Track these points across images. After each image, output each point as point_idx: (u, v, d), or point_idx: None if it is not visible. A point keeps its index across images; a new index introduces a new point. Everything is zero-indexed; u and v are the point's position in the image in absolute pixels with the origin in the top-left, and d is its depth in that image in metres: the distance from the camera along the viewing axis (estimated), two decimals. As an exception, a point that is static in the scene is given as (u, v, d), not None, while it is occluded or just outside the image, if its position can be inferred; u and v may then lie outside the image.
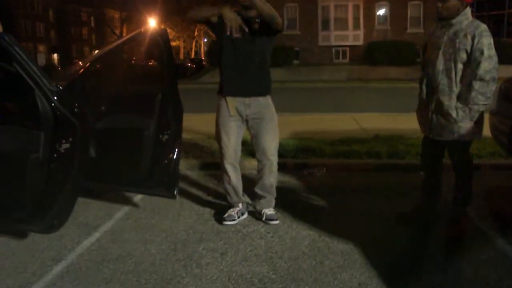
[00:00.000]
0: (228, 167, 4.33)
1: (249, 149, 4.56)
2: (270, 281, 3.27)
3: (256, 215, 4.44)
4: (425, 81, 4.09)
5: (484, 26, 3.80)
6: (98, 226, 4.30)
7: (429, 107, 4.02)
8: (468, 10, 3.87)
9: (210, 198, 5.06)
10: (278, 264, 3.52)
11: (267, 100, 4.29)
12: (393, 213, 4.46)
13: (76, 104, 3.70)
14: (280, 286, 3.20)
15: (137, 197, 5.00)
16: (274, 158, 4.33)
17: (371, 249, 3.71)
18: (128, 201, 4.91)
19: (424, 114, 4.13)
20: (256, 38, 4.11)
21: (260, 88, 4.22)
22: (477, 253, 3.69)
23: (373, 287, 3.16)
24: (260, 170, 4.39)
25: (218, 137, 4.34)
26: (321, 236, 4.01)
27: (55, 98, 3.43)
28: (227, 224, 4.28)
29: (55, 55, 66.94)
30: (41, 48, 66.08)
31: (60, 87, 3.62)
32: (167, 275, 3.38)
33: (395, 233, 4.10)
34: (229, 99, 4.18)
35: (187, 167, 6.11)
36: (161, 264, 3.56)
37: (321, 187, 5.48)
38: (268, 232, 4.13)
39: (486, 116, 4.11)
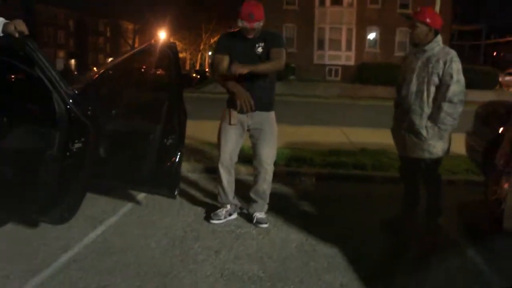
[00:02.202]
0: (222, 170, 4.32)
1: (248, 156, 4.52)
2: (259, 279, 3.25)
3: (248, 217, 4.42)
4: (399, 102, 4.10)
5: (454, 53, 3.85)
6: (103, 220, 4.28)
7: (402, 126, 4.02)
8: (439, 38, 3.91)
9: (208, 200, 5.03)
10: (268, 263, 3.50)
11: (270, 114, 4.27)
12: (375, 221, 4.45)
13: (89, 107, 3.69)
14: (268, 284, 3.19)
15: (141, 195, 4.96)
16: (269, 168, 4.30)
17: (353, 254, 3.70)
18: (132, 198, 4.88)
19: (397, 133, 4.14)
20: (261, 55, 4.08)
21: (263, 104, 4.17)
22: (449, 261, 3.68)
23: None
24: (255, 177, 4.37)
25: (218, 142, 4.34)
26: (308, 239, 4.00)
27: (71, 101, 3.42)
28: (213, 222, 4.29)
29: (73, 61, 66.92)
30: (61, 54, 66.23)
31: (76, 91, 3.60)
32: (165, 269, 3.35)
33: (376, 240, 4.10)
34: (232, 111, 4.16)
35: (188, 170, 6.08)
36: (159, 258, 3.54)
37: (311, 194, 5.47)
38: (260, 234, 4.11)
39: (459, 136, 4.10)
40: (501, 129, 4.68)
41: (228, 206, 4.42)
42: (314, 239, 3.99)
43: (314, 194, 5.48)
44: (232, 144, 4.26)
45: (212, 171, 5.96)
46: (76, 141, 3.46)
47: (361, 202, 5.24)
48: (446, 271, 3.50)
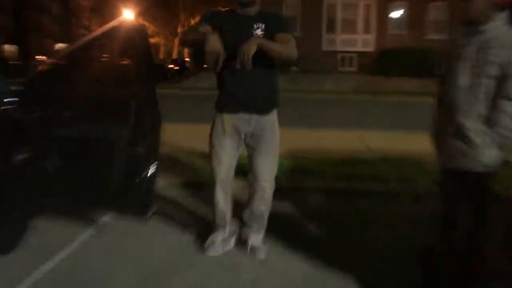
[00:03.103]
0: (218, 187, 4.34)
1: (241, 166, 4.56)
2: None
3: (241, 243, 4.49)
4: (443, 99, 4.08)
5: None
6: (56, 251, 4.31)
7: (448, 130, 3.99)
8: (503, 15, 3.74)
9: (189, 221, 5.12)
10: (267, 302, 3.58)
11: (271, 117, 4.27)
12: (402, 247, 4.54)
13: (36, 108, 3.72)
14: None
15: (106, 216, 5.04)
16: (267, 185, 4.32)
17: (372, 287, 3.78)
18: (93, 221, 4.94)
19: (441, 139, 4.12)
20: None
21: (265, 103, 4.22)
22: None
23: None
24: (251, 195, 4.40)
25: (210, 153, 4.36)
26: (317, 271, 4.07)
27: (9, 100, 3.44)
28: (210, 255, 4.33)
29: (11, 47, 66.53)
30: (-8, 38, 65.66)
31: (16, 88, 3.62)
32: (136, 310, 3.44)
33: (403, 271, 4.14)
34: (225, 115, 4.20)
35: (164, 185, 6.14)
36: (130, 296, 3.62)
37: (318, 214, 5.54)
38: (256, 265, 4.18)
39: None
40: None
41: (226, 232, 4.48)
42: (323, 269, 4.07)
43: (323, 214, 5.55)
44: (228, 157, 4.28)
45: (195, 186, 6.07)
46: (19, 150, 3.48)
47: (382, 223, 5.31)
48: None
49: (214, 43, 3.90)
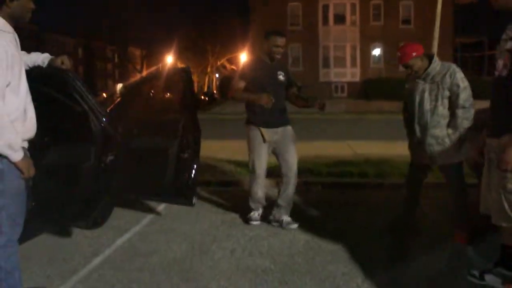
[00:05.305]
0: (257, 182, 4.82)
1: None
2: (271, 271, 3.68)
3: (272, 222, 4.83)
4: (415, 120, 4.36)
5: (453, 65, 4.26)
6: (128, 229, 4.72)
7: (425, 141, 4.33)
8: (435, 57, 4.29)
9: (220, 209, 5.49)
10: (278, 259, 3.93)
11: (291, 128, 4.90)
12: (375, 222, 4.88)
13: (119, 125, 4.12)
14: (278, 275, 3.61)
15: (161, 206, 5.42)
16: (296, 172, 4.82)
17: (355, 248, 4.11)
18: (153, 209, 5.34)
19: (419, 148, 4.42)
20: (284, 83, 4.82)
21: (286, 119, 4.92)
22: (431, 248, 4.08)
23: (353, 275, 3.58)
24: (284, 184, 4.82)
25: (251, 160, 4.82)
26: (314, 239, 4.41)
27: (104, 119, 3.84)
28: (253, 224, 4.79)
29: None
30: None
31: (108, 112, 4.04)
32: (186, 267, 3.79)
33: (376, 238, 4.49)
34: (263, 129, 4.71)
35: (201, 184, 6.42)
36: (181, 258, 3.98)
37: (316, 201, 5.89)
38: (270, 235, 4.52)
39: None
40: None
41: (260, 210, 4.91)
42: (319, 238, 4.40)
43: (320, 201, 5.90)
44: (265, 160, 4.80)
45: (223, 184, 6.50)
46: (109, 154, 3.90)
47: (363, 206, 5.66)
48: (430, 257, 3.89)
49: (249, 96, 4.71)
